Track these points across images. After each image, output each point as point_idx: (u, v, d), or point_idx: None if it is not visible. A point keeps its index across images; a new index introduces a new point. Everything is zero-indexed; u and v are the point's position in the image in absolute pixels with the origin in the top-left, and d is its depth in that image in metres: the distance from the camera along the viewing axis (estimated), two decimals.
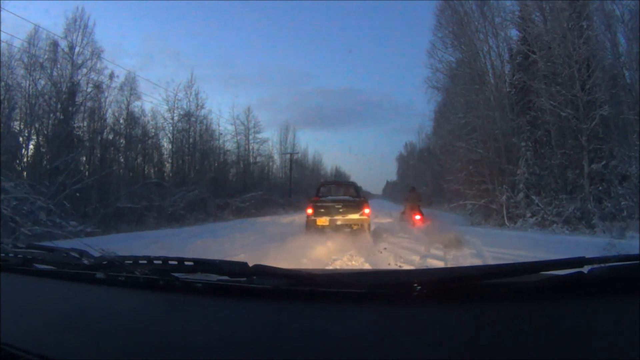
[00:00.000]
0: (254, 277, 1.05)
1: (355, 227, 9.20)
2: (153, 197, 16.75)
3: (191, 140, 23.60)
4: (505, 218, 13.12)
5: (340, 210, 9.44)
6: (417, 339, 0.81)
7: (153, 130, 21.40)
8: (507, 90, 14.87)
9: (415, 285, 0.95)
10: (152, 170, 21.63)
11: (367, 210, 9.49)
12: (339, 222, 9.22)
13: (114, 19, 50.20)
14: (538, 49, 13.45)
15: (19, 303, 1.12)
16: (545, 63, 12.55)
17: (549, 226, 11.36)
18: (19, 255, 1.37)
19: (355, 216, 9.39)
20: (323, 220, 9.30)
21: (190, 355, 0.79)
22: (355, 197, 10.41)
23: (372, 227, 9.93)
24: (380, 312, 0.93)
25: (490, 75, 15.64)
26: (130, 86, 20.06)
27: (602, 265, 0.93)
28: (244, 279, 1.06)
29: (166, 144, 22.55)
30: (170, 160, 22.60)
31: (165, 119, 22.20)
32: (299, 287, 1.02)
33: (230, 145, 28.66)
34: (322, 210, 9.50)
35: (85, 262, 1.21)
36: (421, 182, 38.12)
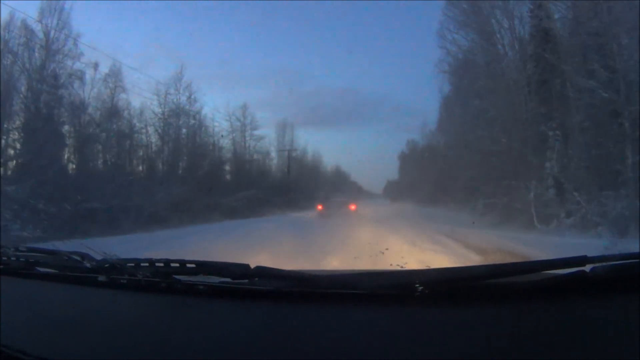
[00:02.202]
0: (256, 279, 1.06)
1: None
2: (129, 196, 14.94)
3: (182, 136, 22.02)
4: (535, 219, 11.20)
5: (338, 206, 18.74)
6: (419, 339, 0.80)
7: (138, 125, 19.71)
8: (530, 72, 13.02)
9: (417, 285, 0.93)
10: (135, 168, 19.96)
11: (353, 207, 19.44)
12: (336, 212, 17.23)
13: (110, 19, 48.44)
14: (566, 22, 11.68)
15: (21, 306, 1.12)
16: (586, 34, 10.67)
17: (593, 228, 9.48)
18: (21, 259, 1.36)
19: (346, 209, 18.49)
20: (327, 212, 17.85)
21: (192, 357, 0.79)
22: (348, 198, 20.64)
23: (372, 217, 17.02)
24: (383, 313, 0.92)
25: (510, 55, 13.82)
26: (115, 77, 18.43)
27: (604, 264, 0.92)
28: (246, 280, 1.06)
29: (154, 139, 20.94)
30: (154, 157, 20.90)
31: (155, 114, 20.58)
32: (301, 289, 1.01)
33: (224, 142, 26.96)
34: (327, 206, 19.28)
35: (87, 265, 1.22)
36: (423, 180, 36.45)
